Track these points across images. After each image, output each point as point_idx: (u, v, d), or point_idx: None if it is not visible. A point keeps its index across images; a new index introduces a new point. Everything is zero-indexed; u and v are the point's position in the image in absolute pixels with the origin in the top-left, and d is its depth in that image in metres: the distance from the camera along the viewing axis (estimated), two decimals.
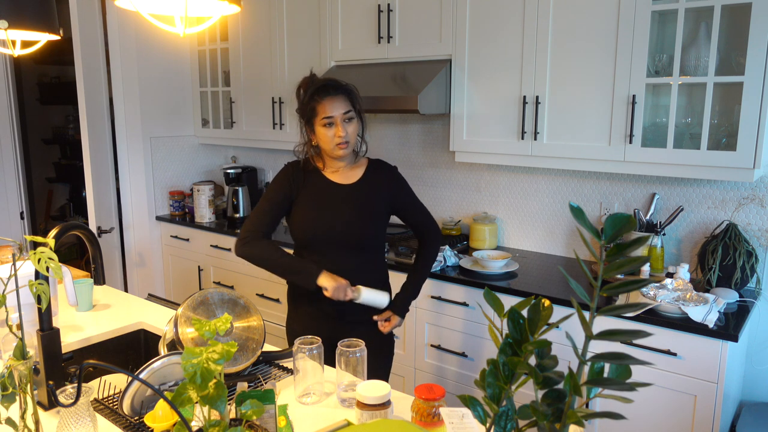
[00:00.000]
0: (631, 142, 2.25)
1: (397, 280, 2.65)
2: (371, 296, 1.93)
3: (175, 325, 1.50)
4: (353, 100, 1.94)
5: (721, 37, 2.09)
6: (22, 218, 4.03)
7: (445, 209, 3.20)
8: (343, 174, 1.98)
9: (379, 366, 2.02)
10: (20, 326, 1.12)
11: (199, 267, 3.69)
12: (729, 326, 1.96)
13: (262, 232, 1.94)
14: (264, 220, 1.96)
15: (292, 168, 2.00)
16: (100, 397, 1.48)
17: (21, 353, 1.10)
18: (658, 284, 2.16)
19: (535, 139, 2.48)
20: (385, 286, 2.09)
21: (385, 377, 2.05)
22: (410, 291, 2.09)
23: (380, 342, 2.03)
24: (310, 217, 1.95)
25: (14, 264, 1.11)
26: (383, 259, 2.11)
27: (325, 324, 1.98)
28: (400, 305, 2.06)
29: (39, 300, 1.11)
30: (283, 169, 2.02)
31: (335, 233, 1.93)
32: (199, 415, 1.08)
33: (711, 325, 1.94)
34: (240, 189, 3.77)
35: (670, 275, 2.36)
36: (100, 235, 3.66)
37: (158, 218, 3.88)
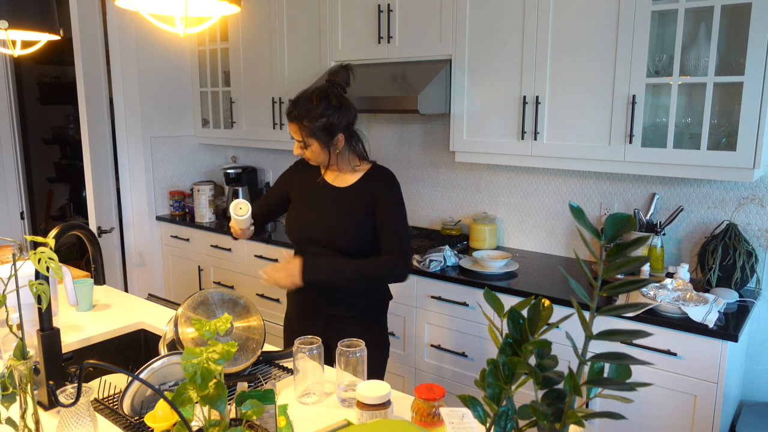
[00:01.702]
0: (631, 142, 2.25)
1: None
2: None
3: (175, 325, 1.50)
4: (306, 129, 1.83)
5: (721, 37, 2.09)
6: (22, 218, 4.03)
7: (445, 209, 3.21)
8: (340, 177, 1.97)
9: (373, 366, 2.01)
10: (20, 326, 1.12)
11: (199, 267, 3.69)
12: (729, 326, 1.96)
13: (260, 216, 2.14)
14: (261, 206, 2.15)
15: (296, 164, 2.10)
16: (100, 397, 1.48)
17: (21, 353, 1.10)
18: (658, 284, 2.16)
19: (535, 139, 2.48)
20: (376, 294, 2.04)
21: (379, 377, 2.05)
22: (328, 264, 1.88)
23: (373, 342, 2.02)
24: (296, 216, 2.00)
25: (14, 264, 1.11)
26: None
27: (316, 318, 1.99)
28: (306, 263, 1.86)
29: (39, 300, 1.11)
30: (291, 165, 2.13)
31: (317, 234, 1.93)
32: (199, 415, 1.08)
33: (711, 325, 1.94)
34: (240, 189, 3.77)
35: (670, 275, 2.36)
36: (100, 235, 3.66)
37: (158, 218, 3.88)
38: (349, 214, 1.91)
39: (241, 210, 1.98)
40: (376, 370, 2.06)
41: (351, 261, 1.89)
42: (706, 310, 2.01)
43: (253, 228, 2.08)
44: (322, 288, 1.96)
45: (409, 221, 3.53)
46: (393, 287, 2.61)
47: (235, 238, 2.11)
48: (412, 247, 1.95)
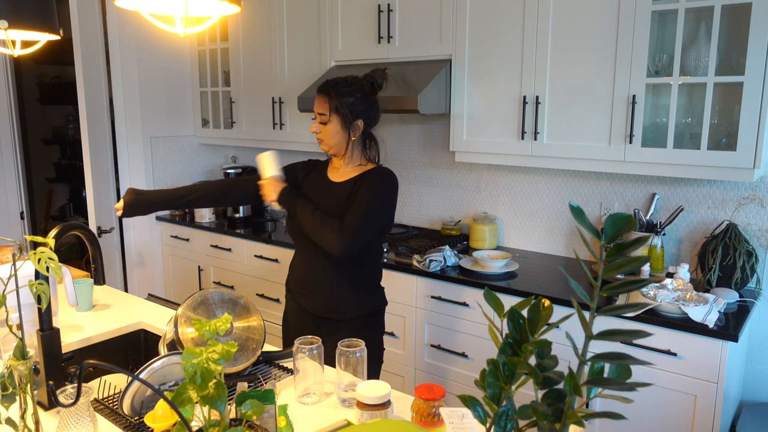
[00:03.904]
0: (631, 142, 2.25)
1: (396, 280, 2.66)
2: (269, 162, 2.03)
3: (175, 325, 1.50)
4: (333, 102, 1.88)
5: (721, 37, 2.09)
6: (22, 218, 4.03)
7: (445, 209, 3.20)
8: (340, 172, 1.98)
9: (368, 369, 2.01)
10: (20, 326, 1.12)
11: (199, 267, 3.69)
12: (729, 326, 1.96)
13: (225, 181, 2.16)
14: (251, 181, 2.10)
15: (310, 161, 2.11)
16: (100, 397, 1.48)
17: (21, 353, 1.10)
18: (658, 284, 2.16)
19: (535, 139, 2.48)
20: (368, 296, 2.00)
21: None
22: (300, 197, 1.94)
23: (366, 347, 2.01)
24: None
25: (14, 264, 1.11)
26: (373, 265, 2.01)
27: (307, 321, 2.00)
28: (285, 188, 1.96)
29: (39, 300, 1.11)
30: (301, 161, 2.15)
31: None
32: (199, 415, 1.08)
33: (711, 325, 1.94)
34: None
35: (670, 275, 2.36)
36: (100, 235, 3.66)
37: (158, 218, 3.88)
38: (340, 209, 1.90)
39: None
40: (368, 377, 2.04)
41: (312, 205, 1.92)
42: (706, 310, 2.00)
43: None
44: (310, 291, 1.98)
45: (409, 221, 3.54)
46: (393, 288, 2.62)
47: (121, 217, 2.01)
48: (360, 233, 1.83)
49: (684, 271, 2.25)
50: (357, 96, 1.90)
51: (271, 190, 1.97)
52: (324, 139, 1.92)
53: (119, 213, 1.96)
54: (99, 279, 1.71)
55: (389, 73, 1.99)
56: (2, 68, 3.84)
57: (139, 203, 1.95)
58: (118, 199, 3.79)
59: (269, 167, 2.03)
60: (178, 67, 3.90)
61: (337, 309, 1.96)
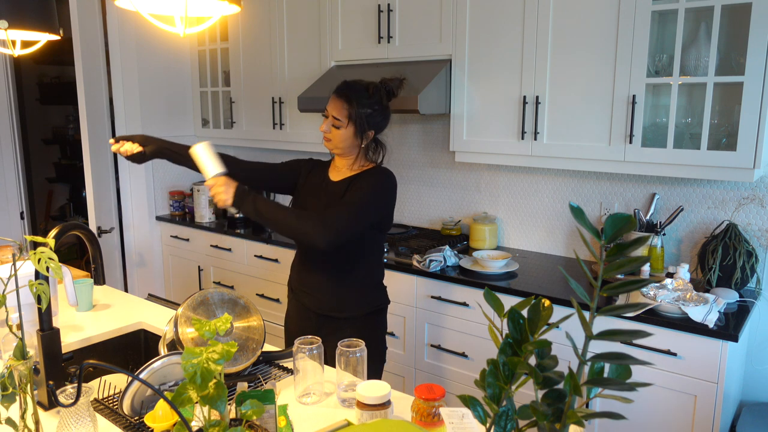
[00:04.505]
0: (631, 142, 2.25)
1: (396, 280, 2.66)
2: (208, 157, 1.72)
3: (175, 325, 1.50)
4: (352, 110, 1.86)
5: (721, 37, 2.09)
6: (22, 218, 4.03)
7: (445, 209, 3.20)
8: (341, 171, 1.98)
9: (368, 370, 2.01)
10: (20, 326, 1.12)
11: (199, 267, 3.69)
12: (729, 326, 1.96)
13: (250, 170, 2.01)
14: (257, 165, 2.03)
15: (311, 159, 2.10)
16: (100, 397, 1.48)
17: (21, 353, 1.10)
18: (658, 284, 2.16)
19: (535, 139, 2.48)
20: (370, 294, 2.00)
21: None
22: (258, 194, 1.78)
23: (368, 346, 2.01)
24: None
25: (14, 264, 1.11)
26: (374, 264, 2.01)
27: (310, 320, 2.00)
28: (239, 187, 1.75)
29: (39, 300, 1.11)
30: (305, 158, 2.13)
31: None
32: (199, 415, 1.08)
33: (711, 325, 1.94)
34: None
35: (670, 275, 2.36)
36: (100, 235, 3.66)
37: (158, 218, 3.88)
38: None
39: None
40: (371, 375, 2.04)
41: (276, 203, 1.81)
42: (706, 310, 2.00)
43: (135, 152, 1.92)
44: (312, 290, 1.97)
45: (409, 221, 3.54)
46: (393, 288, 2.62)
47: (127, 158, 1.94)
48: (345, 224, 1.77)
49: (684, 271, 2.25)
50: (375, 108, 1.90)
51: (222, 191, 1.72)
52: (333, 140, 1.91)
53: (112, 140, 1.95)
54: (99, 279, 1.71)
55: (405, 82, 1.99)
56: (2, 68, 3.83)
57: (141, 135, 1.94)
58: (119, 200, 3.79)
59: (210, 163, 1.72)
60: (178, 67, 3.90)
61: (339, 307, 1.96)
